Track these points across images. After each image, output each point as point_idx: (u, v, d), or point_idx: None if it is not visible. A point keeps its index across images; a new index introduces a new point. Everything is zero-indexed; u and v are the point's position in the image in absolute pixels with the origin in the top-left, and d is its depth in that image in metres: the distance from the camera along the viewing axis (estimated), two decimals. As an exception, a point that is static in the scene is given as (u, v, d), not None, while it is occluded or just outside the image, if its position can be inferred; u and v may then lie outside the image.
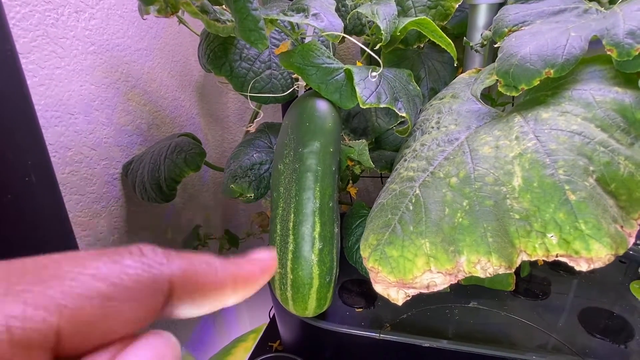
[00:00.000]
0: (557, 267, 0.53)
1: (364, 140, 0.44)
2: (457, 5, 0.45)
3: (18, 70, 0.20)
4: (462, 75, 0.47)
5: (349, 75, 0.38)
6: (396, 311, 0.48)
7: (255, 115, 0.49)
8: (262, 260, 0.15)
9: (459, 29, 0.55)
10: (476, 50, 0.48)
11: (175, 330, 0.71)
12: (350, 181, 0.56)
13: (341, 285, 0.53)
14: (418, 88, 0.43)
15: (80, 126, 0.52)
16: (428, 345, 0.41)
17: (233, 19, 0.33)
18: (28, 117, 0.20)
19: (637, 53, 0.28)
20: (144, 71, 0.63)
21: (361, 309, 0.48)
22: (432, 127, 0.38)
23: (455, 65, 0.48)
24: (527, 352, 0.39)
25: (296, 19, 0.31)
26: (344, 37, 0.52)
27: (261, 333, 0.36)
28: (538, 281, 0.51)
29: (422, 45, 0.50)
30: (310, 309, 0.43)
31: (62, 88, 0.50)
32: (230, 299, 0.14)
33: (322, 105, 0.39)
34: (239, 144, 0.49)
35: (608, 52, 0.29)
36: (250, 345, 0.34)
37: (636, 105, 0.28)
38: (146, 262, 0.12)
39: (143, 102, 0.63)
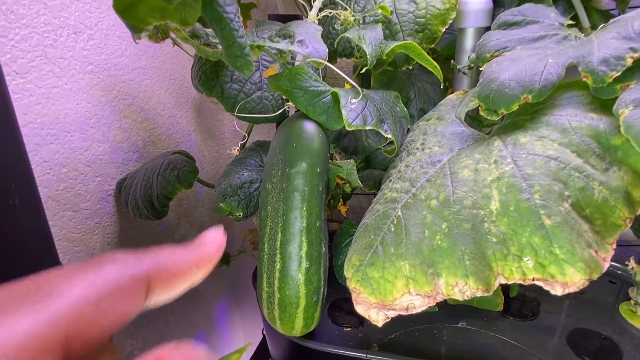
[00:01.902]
0: (547, 287, 0.53)
1: (352, 160, 0.45)
2: (443, 29, 0.46)
3: (4, 95, 0.21)
4: (450, 96, 0.48)
5: (335, 98, 0.39)
6: (385, 331, 0.48)
7: (246, 137, 0.50)
8: (214, 239, 0.18)
9: (449, 51, 0.56)
10: (463, 73, 0.49)
11: (172, 339, 0.71)
12: (342, 199, 0.57)
13: (331, 303, 0.53)
14: (405, 109, 0.44)
15: (76, 143, 0.53)
16: (415, 366, 0.41)
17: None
18: (13, 141, 0.21)
19: (611, 80, 0.29)
20: (141, 89, 0.64)
21: (350, 328, 0.48)
22: (417, 149, 0.39)
23: (443, 86, 0.49)
24: (514, 374, 0.39)
25: (282, 45, 0.32)
26: (335, 59, 0.53)
27: (244, 353, 0.36)
28: (527, 301, 0.51)
29: (411, 67, 0.51)
30: (298, 328, 0.43)
31: (59, 106, 0.51)
32: (197, 277, 0.17)
33: (309, 127, 0.40)
34: (230, 162, 0.50)
35: (584, 79, 0.30)
36: (232, 366, 0.34)
37: (611, 131, 0.29)
38: (123, 265, 0.15)
39: (139, 120, 0.64)
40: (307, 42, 0.32)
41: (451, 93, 0.52)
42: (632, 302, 0.48)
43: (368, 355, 0.42)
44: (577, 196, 0.27)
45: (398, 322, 0.48)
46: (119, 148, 0.60)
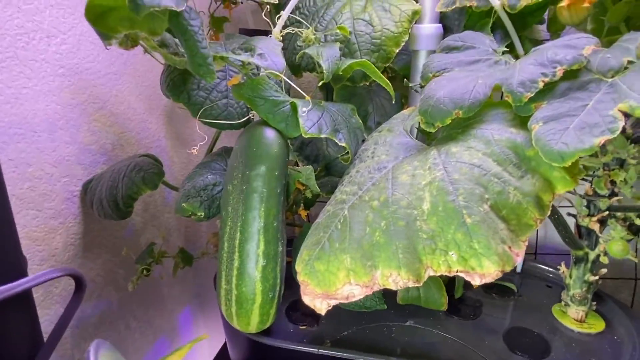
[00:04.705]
0: (490, 290, 0.57)
1: (311, 167, 0.48)
2: (397, 50, 0.51)
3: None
4: (403, 111, 0.52)
5: (294, 107, 0.42)
6: (338, 329, 0.50)
7: (205, 138, 0.53)
8: None
9: (406, 70, 0.60)
10: (416, 91, 0.53)
11: (133, 344, 0.71)
12: (303, 205, 0.59)
13: (289, 304, 0.56)
14: (360, 122, 0.48)
15: (43, 144, 0.54)
16: (362, 360, 0.44)
17: (188, 54, 0.37)
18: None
19: (526, 100, 0.33)
20: (112, 94, 0.66)
21: (305, 327, 0.51)
22: (368, 157, 0.43)
23: (399, 102, 0.54)
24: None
25: (243, 57, 0.35)
26: (300, 73, 0.57)
27: (195, 343, 0.38)
28: (470, 302, 0.55)
29: (369, 83, 0.55)
30: (253, 324, 0.45)
31: (28, 107, 0.52)
32: None
33: (269, 133, 0.43)
34: (196, 166, 0.52)
35: (506, 98, 0.35)
36: (183, 353, 0.36)
37: (526, 144, 0.33)
38: None
39: (109, 124, 0.65)
40: (266, 55, 0.36)
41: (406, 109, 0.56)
42: (562, 303, 0.53)
43: (319, 351, 0.45)
44: (496, 199, 0.31)
45: (351, 321, 0.51)
46: (87, 150, 0.61)
